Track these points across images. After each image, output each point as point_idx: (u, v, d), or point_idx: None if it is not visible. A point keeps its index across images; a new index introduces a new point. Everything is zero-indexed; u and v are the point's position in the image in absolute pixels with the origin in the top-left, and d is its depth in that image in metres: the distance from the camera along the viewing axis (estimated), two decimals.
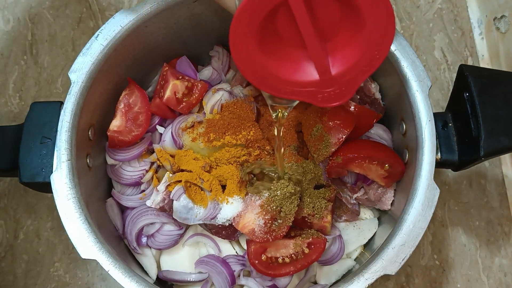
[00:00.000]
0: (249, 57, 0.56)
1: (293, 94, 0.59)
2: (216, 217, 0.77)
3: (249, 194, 0.77)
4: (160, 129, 0.85)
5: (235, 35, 0.54)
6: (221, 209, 0.77)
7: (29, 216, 0.94)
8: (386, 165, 0.78)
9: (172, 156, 0.82)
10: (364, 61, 0.57)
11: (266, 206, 0.74)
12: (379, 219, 0.87)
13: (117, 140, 0.81)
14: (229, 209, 0.77)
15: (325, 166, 0.79)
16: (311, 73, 0.58)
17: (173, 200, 0.77)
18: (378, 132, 0.86)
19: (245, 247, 0.81)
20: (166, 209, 0.78)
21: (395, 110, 0.83)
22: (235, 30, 0.54)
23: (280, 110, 0.69)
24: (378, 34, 0.56)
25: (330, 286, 0.78)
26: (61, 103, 0.73)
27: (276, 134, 0.73)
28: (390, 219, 0.83)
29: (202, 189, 0.79)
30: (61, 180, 0.68)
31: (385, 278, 0.93)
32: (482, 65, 1.06)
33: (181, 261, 0.82)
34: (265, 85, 0.59)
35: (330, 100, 0.59)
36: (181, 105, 0.84)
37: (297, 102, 0.68)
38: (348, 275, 0.78)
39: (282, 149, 0.74)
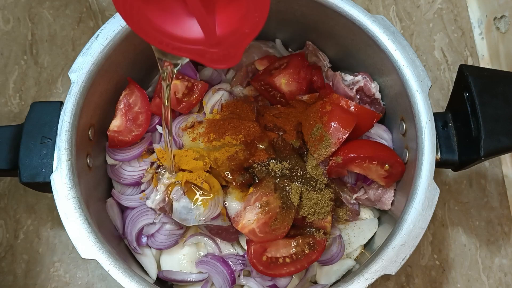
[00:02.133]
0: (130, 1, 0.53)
1: (179, 50, 0.56)
2: (216, 218, 0.77)
3: (249, 194, 0.77)
4: (160, 129, 0.85)
5: None
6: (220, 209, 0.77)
7: (29, 216, 0.94)
8: (386, 165, 0.78)
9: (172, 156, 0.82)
10: (246, 23, 0.56)
11: (265, 206, 0.74)
12: (379, 219, 0.87)
13: (117, 140, 0.81)
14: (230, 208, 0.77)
15: (325, 166, 0.79)
16: (198, 30, 0.56)
17: (173, 200, 0.77)
18: (378, 132, 0.86)
19: (245, 247, 0.81)
20: (166, 209, 0.78)
21: (395, 110, 0.83)
22: None
23: (168, 67, 0.65)
24: None
25: (330, 286, 0.78)
26: (61, 103, 0.73)
27: (164, 96, 0.68)
28: (390, 219, 0.83)
29: (202, 189, 0.78)
30: (61, 180, 0.68)
31: (385, 278, 0.93)
32: (482, 65, 1.06)
33: (181, 261, 0.82)
34: (148, 35, 0.55)
35: (218, 61, 0.55)
36: (181, 105, 0.84)
37: (187, 60, 0.65)
38: (348, 275, 0.78)
39: (170, 122, 0.70)
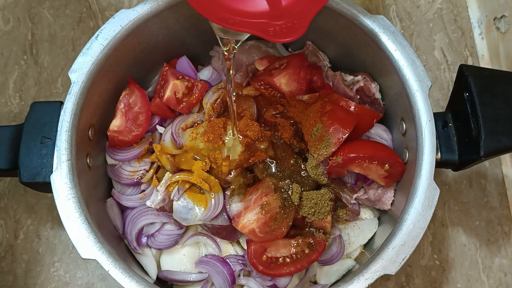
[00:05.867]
0: None
1: (241, 25, 0.53)
2: (216, 217, 0.77)
3: (249, 194, 0.77)
4: (160, 129, 0.85)
5: None
6: (222, 209, 0.77)
7: (29, 216, 0.94)
8: (386, 165, 0.78)
9: (173, 156, 0.82)
10: None
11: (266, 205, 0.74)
12: (379, 219, 0.87)
13: (117, 140, 0.81)
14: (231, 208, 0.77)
15: (325, 166, 0.79)
16: (260, 2, 0.53)
17: (173, 200, 0.77)
18: (378, 132, 0.86)
19: (245, 247, 0.81)
20: (166, 209, 0.78)
21: (395, 110, 0.83)
22: None
23: (230, 44, 0.64)
24: None
25: (330, 286, 0.78)
26: (61, 103, 0.73)
27: (226, 71, 0.67)
28: (390, 219, 0.83)
29: (202, 189, 0.78)
30: (61, 180, 0.68)
31: (385, 278, 0.93)
32: (482, 65, 1.06)
33: (181, 261, 0.82)
34: (208, 11, 0.53)
35: (282, 35, 0.53)
36: (181, 105, 0.84)
37: (247, 35, 0.62)
38: (348, 275, 0.78)
39: (233, 92, 0.68)
